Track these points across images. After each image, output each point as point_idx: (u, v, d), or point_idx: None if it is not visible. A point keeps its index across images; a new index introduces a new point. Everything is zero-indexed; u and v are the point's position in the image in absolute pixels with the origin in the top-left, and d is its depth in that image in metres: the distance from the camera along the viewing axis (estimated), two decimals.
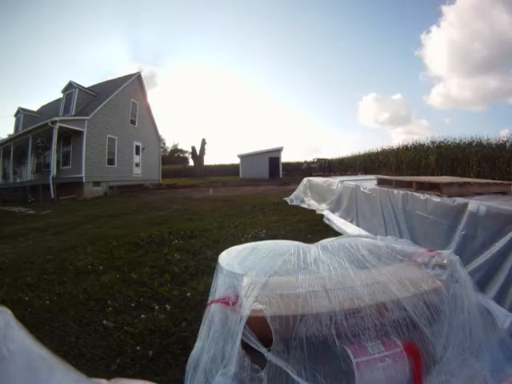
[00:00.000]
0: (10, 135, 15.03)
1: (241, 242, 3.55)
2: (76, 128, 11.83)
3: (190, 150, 29.11)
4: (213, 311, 1.17)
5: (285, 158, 26.13)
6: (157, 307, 2.03)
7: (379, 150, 17.23)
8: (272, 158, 23.12)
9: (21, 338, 0.35)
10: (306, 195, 7.47)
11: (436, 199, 2.56)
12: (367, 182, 4.49)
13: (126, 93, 15.23)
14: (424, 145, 13.85)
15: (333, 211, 5.14)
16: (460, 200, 2.32)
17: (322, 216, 5.15)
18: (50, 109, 15.85)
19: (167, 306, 2.03)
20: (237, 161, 25.04)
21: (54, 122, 10.97)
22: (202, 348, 1.16)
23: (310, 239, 3.65)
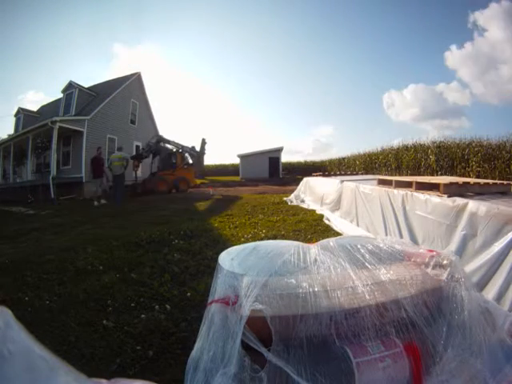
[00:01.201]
0: (9, 135, 15.01)
1: (241, 242, 3.57)
2: (76, 128, 11.82)
3: None
4: (213, 311, 1.17)
5: (288, 157, 26.05)
6: (157, 307, 2.03)
7: (379, 149, 17.24)
8: (272, 157, 23.15)
9: (21, 338, 0.35)
10: (305, 195, 7.47)
11: (436, 199, 2.57)
12: (367, 182, 4.49)
13: (126, 93, 15.22)
14: (424, 145, 13.87)
15: (333, 211, 5.14)
16: (460, 200, 2.32)
17: (322, 216, 5.16)
18: (50, 109, 15.84)
19: (167, 306, 2.03)
20: (237, 161, 25.06)
21: (53, 122, 10.95)
22: (202, 348, 1.16)
23: (309, 239, 3.65)
